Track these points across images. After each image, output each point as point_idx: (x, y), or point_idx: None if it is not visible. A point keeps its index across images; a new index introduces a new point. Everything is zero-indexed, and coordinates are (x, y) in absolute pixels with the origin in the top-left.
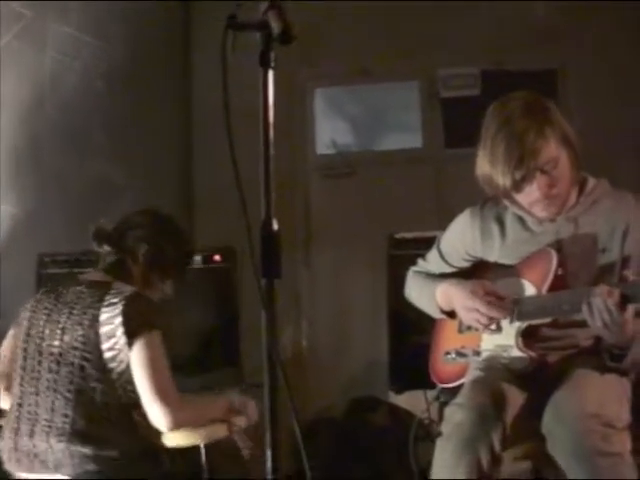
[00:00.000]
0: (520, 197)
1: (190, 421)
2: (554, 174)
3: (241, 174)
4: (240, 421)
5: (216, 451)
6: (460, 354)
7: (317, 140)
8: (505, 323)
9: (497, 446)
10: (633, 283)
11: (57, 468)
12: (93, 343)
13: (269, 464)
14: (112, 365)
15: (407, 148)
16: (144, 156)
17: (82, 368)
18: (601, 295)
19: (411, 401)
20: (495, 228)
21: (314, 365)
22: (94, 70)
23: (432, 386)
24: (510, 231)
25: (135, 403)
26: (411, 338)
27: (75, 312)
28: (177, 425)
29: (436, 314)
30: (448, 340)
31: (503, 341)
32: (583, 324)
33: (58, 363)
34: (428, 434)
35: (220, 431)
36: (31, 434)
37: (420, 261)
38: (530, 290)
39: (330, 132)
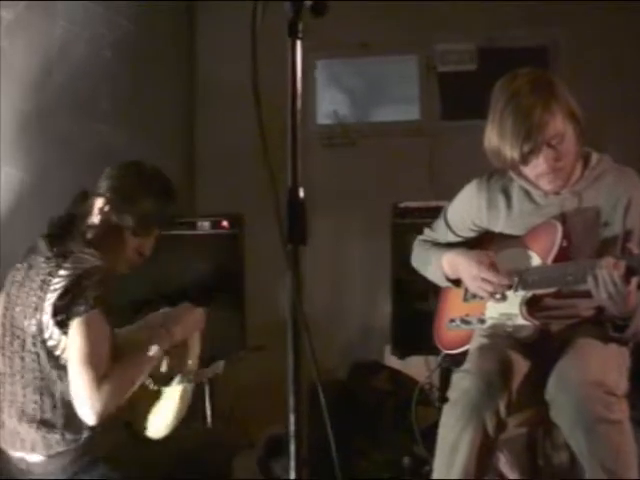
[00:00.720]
0: (527, 170)
1: (120, 401)
2: (560, 148)
3: (244, 144)
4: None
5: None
6: (465, 322)
7: (318, 111)
8: (510, 292)
9: (502, 412)
10: (638, 256)
11: (33, 448)
12: (40, 331)
13: (292, 428)
14: (58, 353)
15: (405, 120)
16: (148, 122)
17: (39, 356)
18: (607, 267)
19: (408, 366)
20: (501, 199)
21: (312, 330)
22: (102, 40)
23: (434, 352)
24: (516, 203)
25: None
26: (414, 305)
27: (31, 293)
28: (103, 417)
29: (442, 282)
30: (453, 308)
31: (507, 310)
32: (584, 295)
33: (23, 348)
34: (428, 399)
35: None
36: (10, 414)
37: (427, 230)
38: (535, 261)
39: (331, 103)
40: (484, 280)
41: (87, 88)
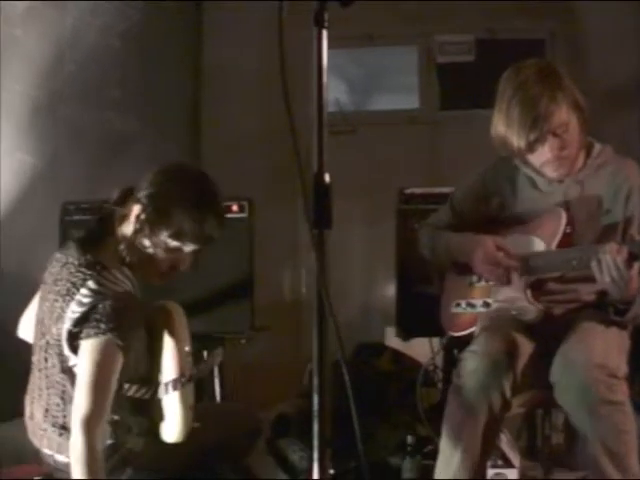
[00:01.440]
0: (532, 158)
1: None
2: (565, 137)
3: (250, 130)
4: None
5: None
6: (470, 305)
7: None
8: (515, 276)
9: (508, 392)
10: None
11: (59, 450)
12: (60, 339)
13: (316, 407)
14: (71, 364)
15: (405, 109)
16: (156, 109)
17: (59, 361)
18: (611, 252)
19: (409, 347)
20: (507, 186)
21: (312, 312)
22: (112, 30)
23: (437, 334)
24: (521, 190)
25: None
26: (418, 288)
27: (59, 297)
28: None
29: (448, 266)
30: (459, 291)
31: (512, 293)
32: (586, 280)
33: (47, 348)
34: (432, 379)
35: None
36: (38, 408)
37: (433, 216)
38: (539, 246)
39: (333, 92)
40: (491, 263)
41: (97, 76)
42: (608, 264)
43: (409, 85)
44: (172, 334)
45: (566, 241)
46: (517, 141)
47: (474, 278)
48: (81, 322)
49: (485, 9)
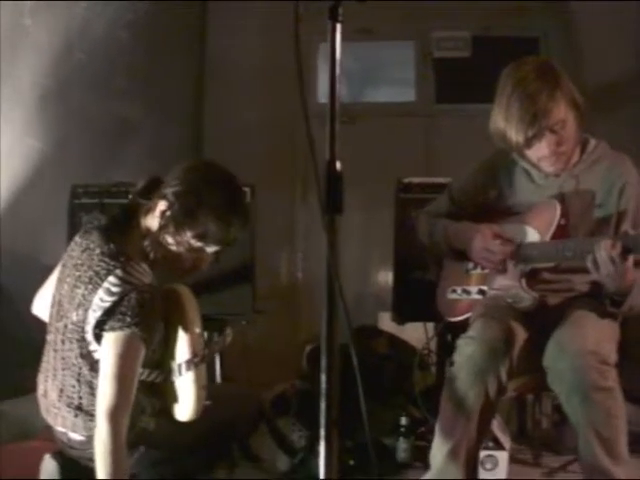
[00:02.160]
0: (530, 152)
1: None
2: (562, 133)
3: (248, 120)
4: None
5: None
6: (465, 291)
7: (319, 90)
8: (510, 265)
9: (504, 378)
10: (633, 236)
11: (73, 429)
12: (82, 324)
13: (324, 386)
14: (92, 348)
15: (402, 101)
16: (160, 97)
17: (78, 346)
18: (605, 249)
19: (402, 331)
20: (504, 179)
21: (308, 296)
22: (119, 20)
23: (431, 319)
24: (518, 182)
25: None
26: (414, 274)
27: (79, 284)
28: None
29: (445, 253)
30: (455, 278)
31: (507, 281)
32: (579, 270)
33: (65, 330)
34: (426, 363)
35: None
36: (52, 387)
37: (431, 205)
38: (534, 237)
39: None
40: (488, 251)
41: (105, 65)
42: (604, 259)
43: (406, 79)
44: (183, 316)
45: (561, 232)
46: (515, 136)
47: (470, 265)
48: (109, 312)
49: (481, 7)
